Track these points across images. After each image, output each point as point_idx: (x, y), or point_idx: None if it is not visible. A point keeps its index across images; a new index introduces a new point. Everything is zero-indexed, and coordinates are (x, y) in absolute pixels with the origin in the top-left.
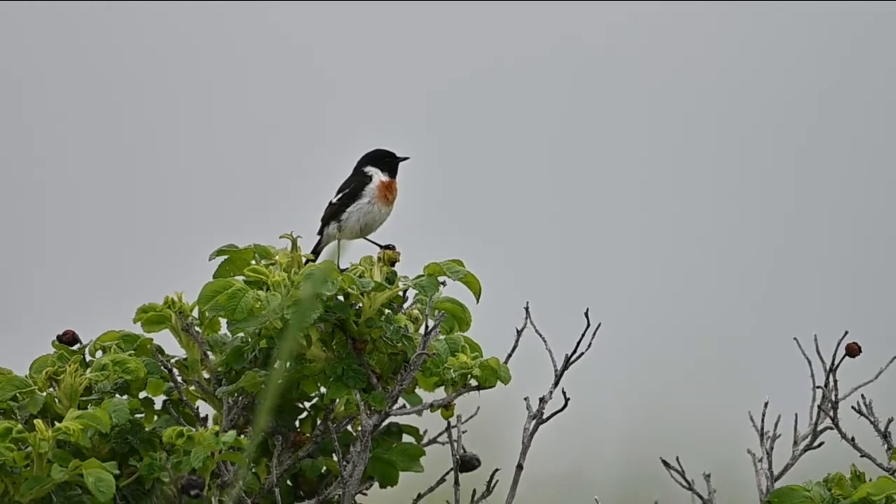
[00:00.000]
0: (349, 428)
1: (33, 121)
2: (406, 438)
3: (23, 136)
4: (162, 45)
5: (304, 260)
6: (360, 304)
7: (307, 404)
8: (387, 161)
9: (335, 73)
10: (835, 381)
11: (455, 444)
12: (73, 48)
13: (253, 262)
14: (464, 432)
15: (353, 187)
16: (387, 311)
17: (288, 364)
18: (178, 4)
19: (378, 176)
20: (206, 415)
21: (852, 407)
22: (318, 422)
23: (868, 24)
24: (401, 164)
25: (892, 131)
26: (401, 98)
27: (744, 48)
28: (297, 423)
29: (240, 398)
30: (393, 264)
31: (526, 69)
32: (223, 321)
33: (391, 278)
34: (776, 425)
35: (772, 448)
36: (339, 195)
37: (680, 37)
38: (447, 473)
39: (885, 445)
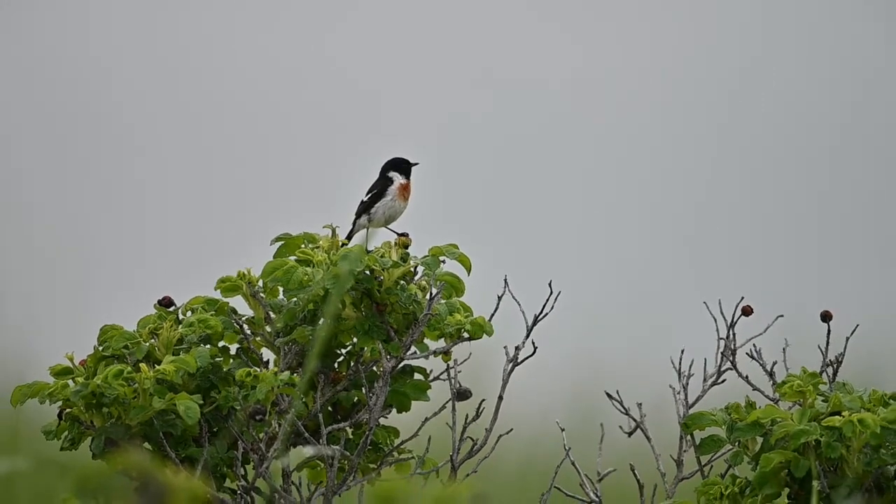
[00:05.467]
0: (374, 368)
1: (134, 128)
2: (416, 376)
3: (125, 138)
4: (233, 66)
5: (340, 244)
6: (382, 277)
7: (343, 351)
8: (403, 167)
9: (373, 96)
10: (734, 334)
11: (452, 381)
12: (164, 68)
13: (302, 245)
14: (459, 372)
15: (380, 189)
16: (401, 282)
17: (330, 321)
18: (253, 43)
19: (398, 179)
20: (268, 359)
21: (747, 353)
22: (351, 364)
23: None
24: (413, 169)
25: (791, 132)
26: (416, 123)
27: (668, 53)
28: (335, 365)
29: (293, 347)
30: (406, 247)
31: (504, 94)
32: (281, 290)
33: (405, 258)
34: (690, 367)
35: (687, 384)
36: (369, 195)
37: (624, 43)
38: (447, 402)
39: (771, 382)
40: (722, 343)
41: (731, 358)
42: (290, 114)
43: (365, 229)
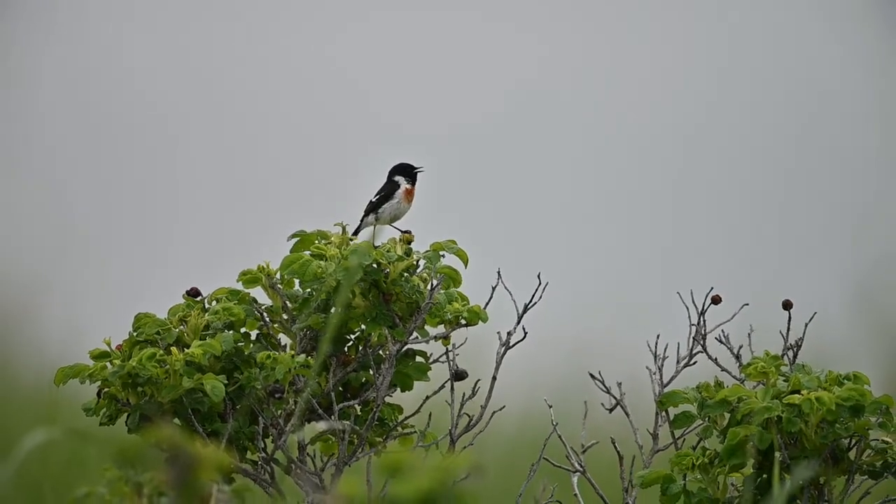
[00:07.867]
0: (380, 352)
1: (172, 135)
2: (418, 359)
3: (158, 142)
4: (251, 74)
5: (349, 240)
6: (388, 270)
7: (352, 336)
8: (409, 172)
9: (380, 103)
10: (704, 321)
11: (451, 363)
12: (189, 76)
13: (316, 241)
14: (457, 355)
15: (387, 191)
16: (405, 274)
17: (340, 309)
18: (264, 46)
19: (403, 183)
20: (286, 343)
21: (716, 338)
22: (360, 348)
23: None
24: (418, 173)
25: (758, 133)
26: (417, 131)
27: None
28: (345, 349)
29: (308, 332)
30: (409, 243)
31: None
32: (297, 281)
33: (408, 252)
34: (665, 350)
35: (662, 365)
36: (377, 196)
37: (593, 49)
38: (445, 382)
39: (738, 364)
40: (693, 329)
41: (701, 342)
42: (305, 122)
43: (372, 226)
